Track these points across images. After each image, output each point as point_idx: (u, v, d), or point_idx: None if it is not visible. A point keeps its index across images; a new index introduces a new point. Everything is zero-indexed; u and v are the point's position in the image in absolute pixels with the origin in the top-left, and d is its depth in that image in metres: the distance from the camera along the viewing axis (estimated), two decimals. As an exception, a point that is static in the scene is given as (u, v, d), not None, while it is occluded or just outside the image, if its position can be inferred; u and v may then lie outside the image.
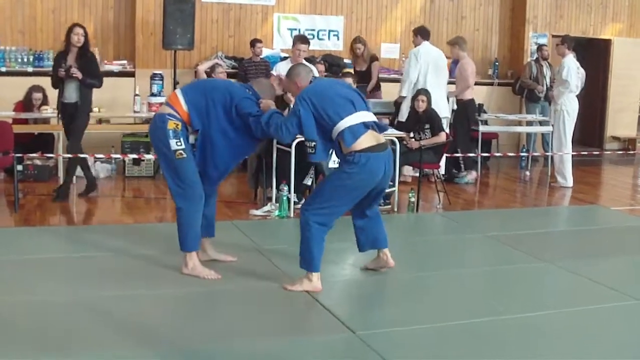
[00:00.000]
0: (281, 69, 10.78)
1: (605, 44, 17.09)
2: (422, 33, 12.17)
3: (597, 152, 15.89)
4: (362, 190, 6.61)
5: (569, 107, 12.29)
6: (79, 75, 9.72)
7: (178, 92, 6.93)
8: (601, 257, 8.04)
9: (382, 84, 13.87)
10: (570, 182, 12.27)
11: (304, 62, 10.76)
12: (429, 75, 11.87)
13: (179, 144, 6.70)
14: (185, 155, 6.73)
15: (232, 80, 12.77)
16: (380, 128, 6.66)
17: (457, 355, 5.49)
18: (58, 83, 9.93)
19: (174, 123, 6.72)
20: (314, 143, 6.59)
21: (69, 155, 10.03)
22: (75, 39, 9.79)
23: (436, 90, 11.58)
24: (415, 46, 12.15)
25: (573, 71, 12.34)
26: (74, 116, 9.96)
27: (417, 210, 9.97)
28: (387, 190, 9.97)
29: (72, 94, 9.86)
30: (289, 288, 6.60)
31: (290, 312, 6.29)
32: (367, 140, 6.48)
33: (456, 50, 12.51)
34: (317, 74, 10.77)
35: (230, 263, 7.38)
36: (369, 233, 7.07)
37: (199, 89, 6.94)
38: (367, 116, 6.58)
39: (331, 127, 6.49)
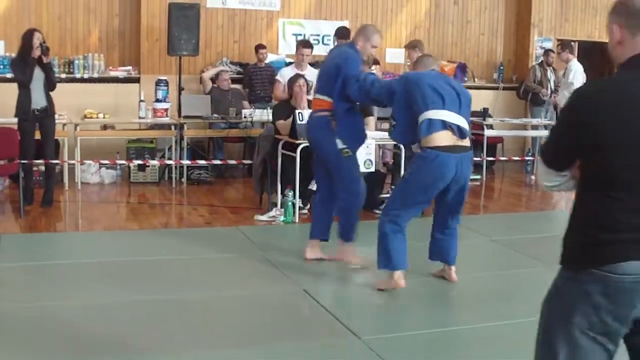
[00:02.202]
0: (285, 74, 10.80)
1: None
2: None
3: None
4: (431, 188, 6.66)
5: None
6: (49, 59, 9.77)
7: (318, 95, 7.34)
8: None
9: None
10: None
11: (309, 67, 10.80)
12: None
13: (343, 142, 7.15)
14: (350, 153, 7.25)
15: (237, 86, 12.86)
16: (461, 133, 6.61)
17: (464, 358, 5.52)
18: (30, 79, 9.79)
19: (334, 122, 7.14)
20: (394, 122, 6.87)
21: (74, 161, 10.03)
22: (37, 43, 9.70)
23: None
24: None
25: (579, 74, 12.32)
26: (44, 121, 9.93)
27: (422, 214, 9.94)
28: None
29: (40, 99, 9.76)
30: (378, 287, 6.89)
31: (296, 317, 6.32)
32: (441, 138, 6.52)
33: (416, 53, 12.09)
34: None
35: (239, 268, 7.44)
36: (442, 247, 7.15)
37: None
38: (452, 117, 6.58)
39: (418, 114, 6.59)
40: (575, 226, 3.09)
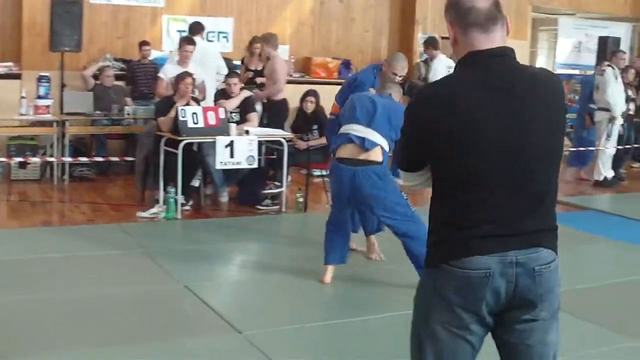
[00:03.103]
0: (168, 71, 10.74)
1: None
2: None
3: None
4: (336, 194, 7.11)
5: None
6: None
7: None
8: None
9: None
10: None
11: (191, 64, 10.78)
12: None
13: None
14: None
15: (120, 83, 12.74)
16: (364, 145, 6.77)
17: (343, 353, 5.61)
18: None
19: None
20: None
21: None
22: None
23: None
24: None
25: (439, 73, 12.58)
26: None
27: (305, 209, 10.04)
28: (275, 191, 10.07)
29: None
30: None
31: (177, 314, 6.32)
32: (343, 151, 6.82)
33: (269, 48, 12.01)
34: (202, 77, 10.84)
35: (121, 265, 7.40)
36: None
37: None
38: (359, 130, 6.80)
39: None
40: (429, 225, 3.15)
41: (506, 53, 3.09)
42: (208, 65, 11.66)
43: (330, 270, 7.10)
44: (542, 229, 3.05)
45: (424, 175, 3.21)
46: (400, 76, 7.75)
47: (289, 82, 13.83)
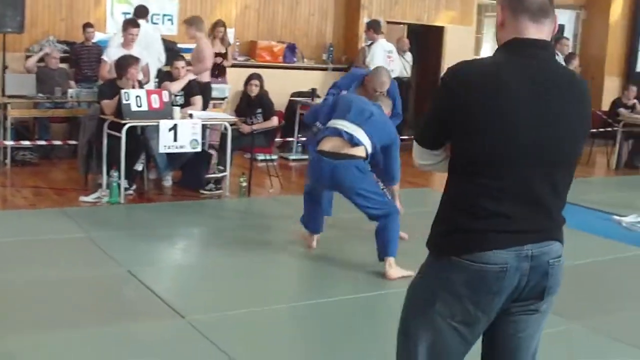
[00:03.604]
0: (112, 54, 10.66)
1: (439, 31, 17.48)
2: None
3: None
4: (312, 180, 7.38)
5: None
6: None
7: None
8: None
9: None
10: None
11: (135, 46, 10.70)
12: None
13: None
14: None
15: (64, 65, 12.60)
16: (352, 141, 6.93)
17: (288, 337, 5.72)
18: None
19: None
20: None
21: None
22: None
23: None
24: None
25: (377, 56, 12.67)
26: None
27: (249, 194, 10.05)
28: (218, 175, 10.06)
29: None
30: None
31: (119, 299, 6.32)
32: (325, 143, 6.99)
33: (192, 31, 11.90)
34: (147, 60, 10.78)
35: (63, 250, 7.36)
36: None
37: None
38: (345, 125, 6.97)
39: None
40: (440, 210, 3.07)
41: (549, 49, 3.07)
42: (152, 49, 11.57)
43: (314, 238, 7.60)
44: (556, 225, 3.05)
45: (439, 156, 3.12)
46: (379, 92, 7.89)
47: (234, 65, 13.81)
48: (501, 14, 3.05)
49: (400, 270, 6.80)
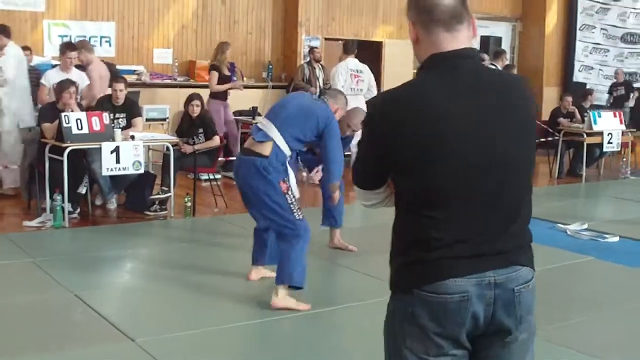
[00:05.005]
0: (51, 77, 10.59)
1: (377, 46, 17.61)
2: None
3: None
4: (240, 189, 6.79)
5: None
6: None
7: None
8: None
9: (157, 90, 13.92)
10: None
11: (74, 69, 10.65)
12: None
13: None
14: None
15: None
16: (256, 137, 6.61)
17: (238, 357, 5.76)
18: None
19: None
20: None
21: None
22: None
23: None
24: None
25: (338, 75, 13.01)
26: None
27: (194, 214, 10.03)
28: (163, 196, 10.03)
29: None
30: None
31: (67, 323, 6.27)
32: (247, 141, 6.79)
33: (83, 54, 11.73)
34: (87, 82, 10.70)
35: (6, 275, 7.31)
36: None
37: None
38: (264, 124, 6.65)
39: None
40: (394, 246, 2.91)
41: (473, 55, 2.89)
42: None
43: (255, 270, 7.22)
44: (519, 245, 2.87)
45: (382, 194, 2.99)
46: (354, 131, 8.08)
47: (173, 85, 13.82)
48: (413, 30, 2.87)
49: (287, 301, 6.48)
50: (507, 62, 15.71)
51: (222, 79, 13.34)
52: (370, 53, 17.53)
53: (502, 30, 19.77)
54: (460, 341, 2.80)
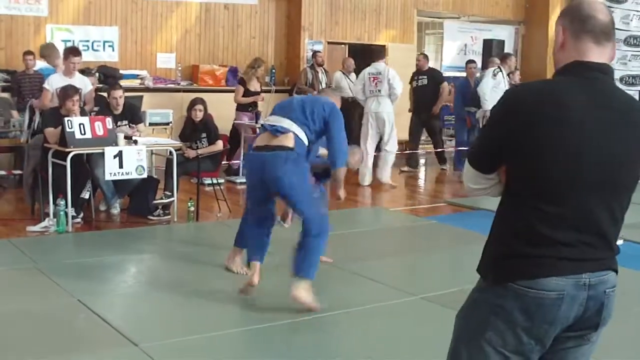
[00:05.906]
0: (54, 82, 10.58)
1: (380, 50, 17.57)
2: None
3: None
4: (249, 182, 7.01)
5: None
6: None
7: None
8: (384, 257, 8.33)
9: (160, 94, 13.90)
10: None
11: (77, 74, 10.64)
12: None
13: None
14: None
15: (5, 94, 12.50)
16: (276, 131, 6.69)
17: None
18: None
19: None
20: None
21: None
22: None
23: None
24: None
25: (359, 81, 13.22)
26: None
27: (197, 219, 10.02)
28: (166, 201, 10.01)
29: None
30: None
31: (71, 329, 6.26)
32: (259, 139, 6.84)
33: (54, 61, 11.59)
34: (90, 87, 10.70)
35: (11, 281, 7.30)
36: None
37: None
38: (276, 120, 6.76)
39: None
40: (495, 235, 3.00)
41: (610, 73, 2.99)
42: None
43: (257, 269, 6.97)
44: (614, 251, 2.99)
45: (492, 180, 3.05)
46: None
47: (176, 90, 13.82)
48: (562, 35, 2.98)
49: (309, 295, 6.46)
50: (515, 68, 15.83)
51: (248, 94, 13.38)
52: (372, 57, 17.54)
53: (504, 34, 19.75)
54: (543, 341, 2.90)
